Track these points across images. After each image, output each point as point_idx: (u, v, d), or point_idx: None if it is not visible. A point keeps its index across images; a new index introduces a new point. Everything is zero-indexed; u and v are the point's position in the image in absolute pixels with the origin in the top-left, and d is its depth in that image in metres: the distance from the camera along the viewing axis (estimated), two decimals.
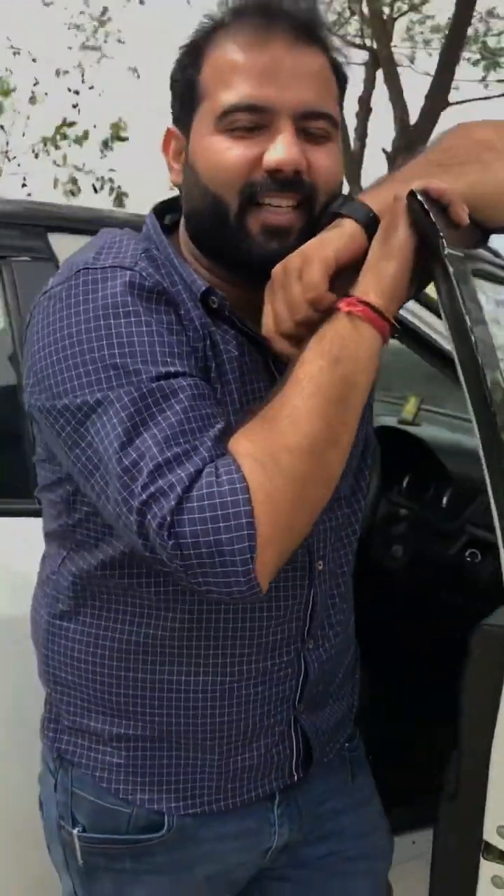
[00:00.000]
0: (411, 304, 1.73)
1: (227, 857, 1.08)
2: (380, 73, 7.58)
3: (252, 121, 0.89)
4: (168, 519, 0.77)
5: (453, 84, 7.57)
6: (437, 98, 7.13)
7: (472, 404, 0.90)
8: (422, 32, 10.02)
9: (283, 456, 0.80)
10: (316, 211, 0.92)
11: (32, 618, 1.12)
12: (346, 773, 1.18)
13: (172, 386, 0.83)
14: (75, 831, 1.05)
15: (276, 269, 0.89)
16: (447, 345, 1.71)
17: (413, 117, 7.21)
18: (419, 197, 0.83)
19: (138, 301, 0.87)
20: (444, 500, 2.31)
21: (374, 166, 7.87)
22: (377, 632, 1.74)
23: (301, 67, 0.89)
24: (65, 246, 1.49)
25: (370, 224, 0.87)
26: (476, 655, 1.05)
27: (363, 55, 8.26)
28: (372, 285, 0.85)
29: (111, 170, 9.31)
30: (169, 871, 1.05)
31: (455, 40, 6.88)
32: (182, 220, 1.00)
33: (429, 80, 6.95)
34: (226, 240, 0.93)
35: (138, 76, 11.52)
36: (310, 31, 0.91)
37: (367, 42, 8.10)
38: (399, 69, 7.31)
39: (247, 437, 0.82)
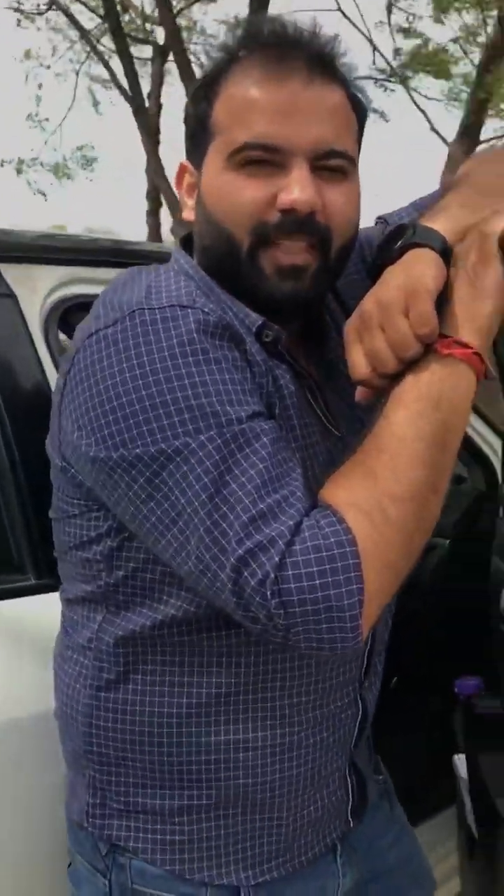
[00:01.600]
0: None
1: None
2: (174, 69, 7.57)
3: (267, 158, 0.86)
4: (272, 575, 0.73)
5: None
6: None
7: None
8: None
9: (389, 505, 0.76)
10: (332, 252, 0.90)
11: (62, 694, 1.00)
12: (386, 805, 1.17)
13: (255, 429, 0.79)
14: None
15: (368, 307, 0.84)
16: None
17: None
18: None
19: (206, 339, 0.81)
20: None
21: (173, 162, 7.87)
22: None
23: (318, 105, 0.86)
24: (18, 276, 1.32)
25: (446, 254, 0.85)
26: None
27: (148, 50, 8.22)
28: (467, 325, 0.82)
29: None
30: None
31: None
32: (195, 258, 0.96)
33: None
34: (241, 278, 0.89)
35: None
36: (327, 66, 0.88)
37: (151, 36, 8.06)
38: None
39: (344, 486, 0.79)
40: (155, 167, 7.69)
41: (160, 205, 8.96)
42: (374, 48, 9.54)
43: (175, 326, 0.81)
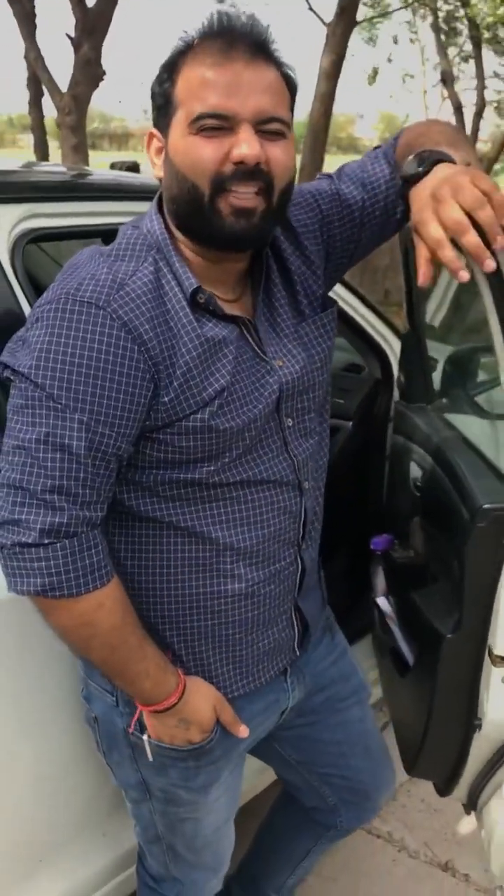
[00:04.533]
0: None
1: (258, 728, 1.36)
2: None
3: (219, 124, 1.06)
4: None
5: None
6: None
7: None
8: None
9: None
10: (275, 196, 1.10)
11: None
12: (328, 637, 1.50)
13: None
14: (145, 737, 1.23)
15: (440, 190, 1.05)
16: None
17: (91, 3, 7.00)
18: None
19: (103, 344, 1.03)
20: None
21: (60, 53, 7.47)
22: None
23: (257, 81, 1.06)
24: None
25: None
26: (481, 528, 1.38)
27: None
28: None
29: None
30: (222, 756, 1.30)
31: None
32: (164, 208, 1.16)
33: None
34: (201, 220, 1.09)
35: None
36: (263, 50, 1.08)
37: None
38: None
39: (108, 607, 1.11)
40: (34, 55, 7.39)
41: (42, 94, 8.61)
42: None
43: (86, 322, 1.03)
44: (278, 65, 1.10)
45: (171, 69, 1.10)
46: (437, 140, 1.17)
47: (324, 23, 9.34)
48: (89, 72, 6.97)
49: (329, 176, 1.33)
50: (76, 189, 1.64)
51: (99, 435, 1.04)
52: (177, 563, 1.19)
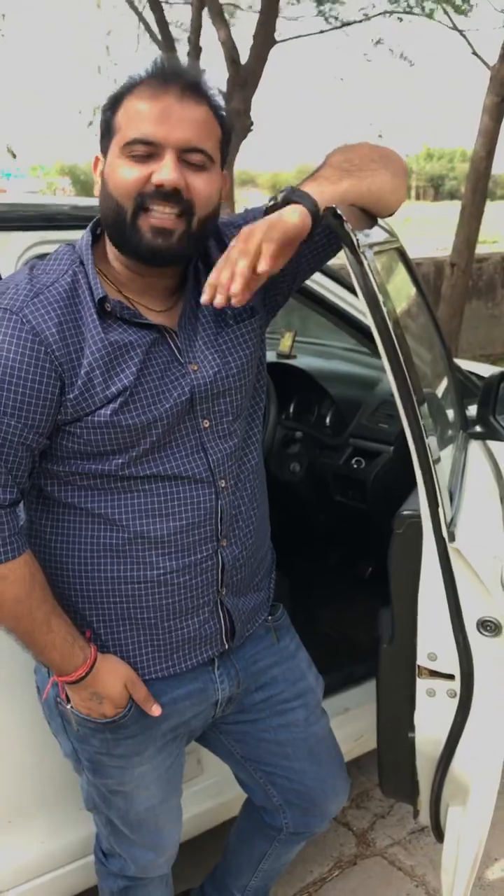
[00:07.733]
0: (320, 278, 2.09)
1: (183, 712, 1.42)
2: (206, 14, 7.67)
3: (146, 150, 1.19)
4: None
5: (290, 18, 8.09)
6: (264, 35, 7.34)
7: (386, 355, 1.25)
8: None
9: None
10: (194, 221, 1.22)
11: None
12: (272, 638, 1.54)
13: None
14: (69, 706, 1.35)
15: (240, 232, 1.19)
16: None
17: (243, 57, 7.42)
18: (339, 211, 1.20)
19: (11, 346, 1.16)
20: (328, 420, 2.68)
21: None
22: (289, 533, 2.07)
23: (185, 115, 1.19)
24: None
25: (315, 210, 1.21)
26: (399, 535, 1.40)
27: None
28: None
29: None
30: (140, 733, 1.38)
31: None
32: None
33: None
34: (124, 236, 1.22)
35: None
36: (195, 89, 1.20)
37: None
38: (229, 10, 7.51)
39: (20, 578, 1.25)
40: None
41: None
42: None
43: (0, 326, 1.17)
44: (211, 105, 1.23)
45: (115, 101, 1.24)
46: (328, 170, 1.29)
47: (487, 66, 9.30)
48: (238, 123, 7.36)
49: None
50: (79, 219, 1.81)
51: (5, 425, 1.17)
52: (94, 547, 1.30)
